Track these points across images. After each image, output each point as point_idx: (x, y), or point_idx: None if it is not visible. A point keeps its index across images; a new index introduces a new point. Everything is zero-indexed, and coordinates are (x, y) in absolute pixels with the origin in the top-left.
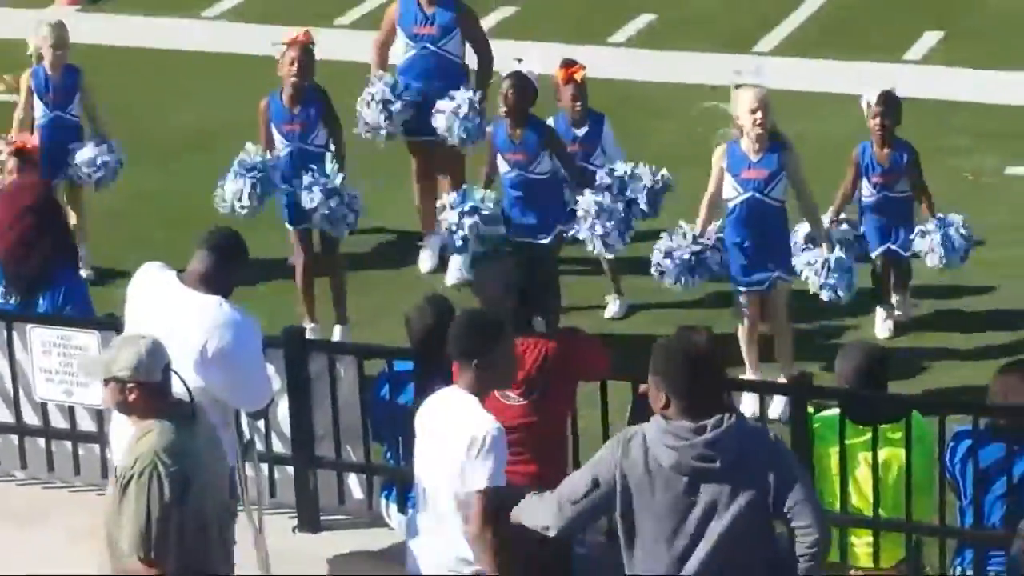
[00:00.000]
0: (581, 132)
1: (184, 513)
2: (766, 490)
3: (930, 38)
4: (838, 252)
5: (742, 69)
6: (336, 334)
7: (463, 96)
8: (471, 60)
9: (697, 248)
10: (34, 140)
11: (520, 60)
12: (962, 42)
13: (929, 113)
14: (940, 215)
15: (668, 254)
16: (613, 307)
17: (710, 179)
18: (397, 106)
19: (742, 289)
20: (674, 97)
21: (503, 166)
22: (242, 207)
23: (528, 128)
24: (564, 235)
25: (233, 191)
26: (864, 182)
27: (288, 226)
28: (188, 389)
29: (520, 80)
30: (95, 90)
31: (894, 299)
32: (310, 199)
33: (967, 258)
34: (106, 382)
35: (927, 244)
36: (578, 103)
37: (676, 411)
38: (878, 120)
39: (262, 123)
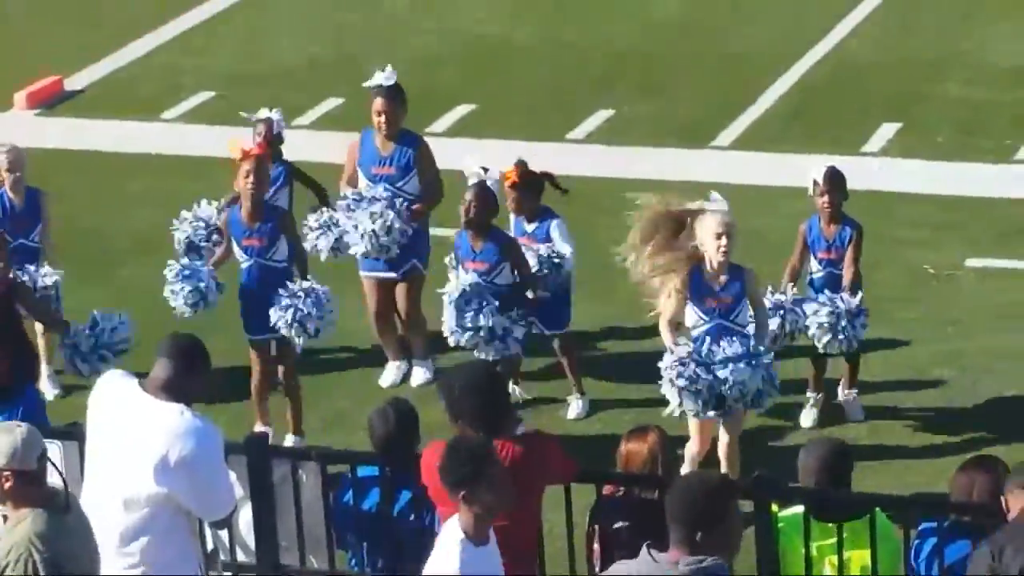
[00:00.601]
0: (531, 228)
1: None
2: None
3: (888, 130)
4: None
5: (713, 198)
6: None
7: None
8: None
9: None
10: None
11: (487, 170)
12: (920, 134)
13: (888, 205)
14: (840, 298)
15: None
16: (575, 407)
17: (669, 302)
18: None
19: (698, 414)
20: (631, 192)
21: (463, 274)
22: (184, 311)
23: (489, 239)
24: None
25: (177, 298)
26: (811, 258)
27: (246, 334)
28: (64, 479)
29: (482, 191)
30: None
31: (841, 393)
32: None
33: (853, 343)
34: None
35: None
36: (512, 201)
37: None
38: (826, 198)
39: (224, 235)
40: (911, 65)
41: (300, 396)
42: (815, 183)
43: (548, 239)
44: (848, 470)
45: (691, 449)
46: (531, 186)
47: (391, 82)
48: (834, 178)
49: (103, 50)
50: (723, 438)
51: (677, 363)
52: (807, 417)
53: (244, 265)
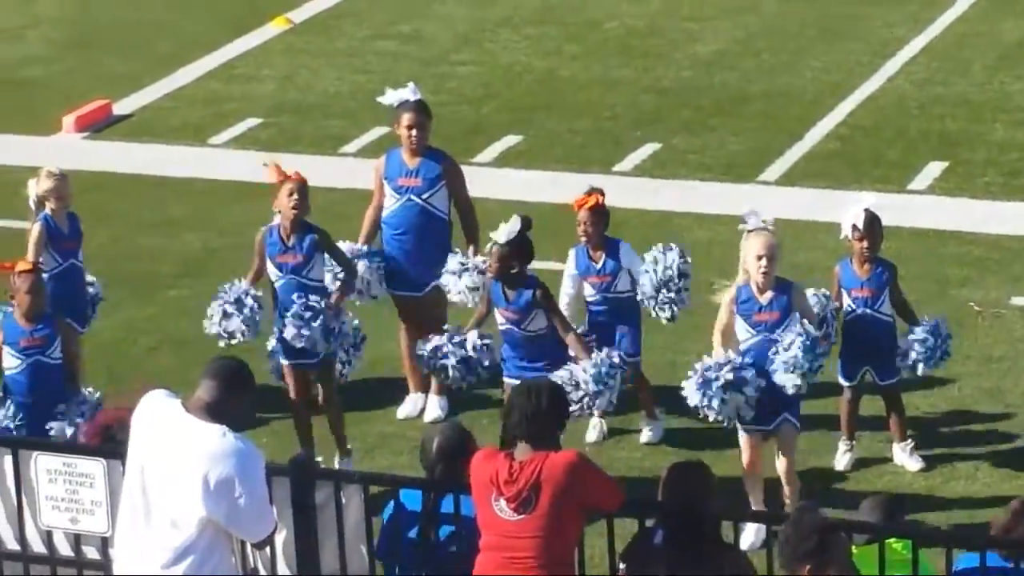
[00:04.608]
0: (599, 264)
1: None
2: None
3: (934, 168)
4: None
5: (748, 215)
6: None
7: (464, 262)
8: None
9: (729, 373)
10: None
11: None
12: (965, 173)
13: (933, 243)
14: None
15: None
16: (648, 432)
17: (720, 315)
18: (362, 269)
19: (743, 428)
20: (676, 226)
21: (499, 319)
22: (232, 342)
23: (521, 287)
24: None
25: (222, 328)
26: (845, 298)
27: (282, 360)
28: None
29: (500, 250)
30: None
31: (895, 447)
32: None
33: (944, 359)
34: None
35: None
36: (580, 229)
37: None
38: (866, 243)
39: (256, 254)
40: (958, 105)
41: (340, 418)
42: (854, 227)
43: (617, 269)
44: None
45: (745, 473)
46: (604, 215)
47: (418, 96)
48: (874, 222)
49: (151, 77)
50: (778, 458)
51: (710, 368)
52: (841, 461)
53: (278, 283)
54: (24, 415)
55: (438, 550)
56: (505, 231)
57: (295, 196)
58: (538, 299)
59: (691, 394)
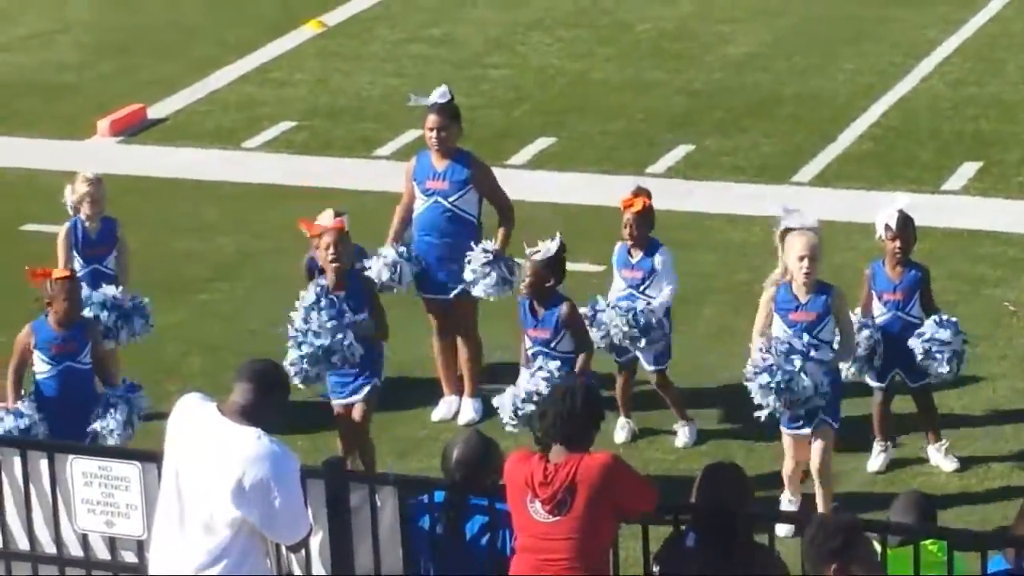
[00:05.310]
0: (636, 259)
1: None
2: None
3: (968, 169)
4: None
5: (787, 213)
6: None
7: (479, 253)
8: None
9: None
10: None
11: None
12: (1000, 174)
13: (967, 243)
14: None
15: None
16: (683, 435)
17: (759, 313)
18: (404, 267)
19: (786, 430)
20: (709, 227)
21: (527, 343)
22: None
23: (552, 304)
24: None
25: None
26: (876, 302)
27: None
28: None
29: (536, 265)
30: (128, 245)
31: (929, 448)
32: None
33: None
34: None
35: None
36: (626, 232)
37: None
38: (898, 243)
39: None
40: (992, 106)
41: (374, 456)
42: (887, 227)
43: (652, 271)
44: (934, 518)
45: (785, 467)
46: (649, 218)
47: (446, 99)
48: (907, 223)
49: (185, 81)
50: (813, 456)
51: (758, 366)
52: (876, 462)
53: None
54: (54, 420)
55: (471, 546)
56: (544, 250)
57: (331, 249)
58: (565, 315)
59: (756, 397)
